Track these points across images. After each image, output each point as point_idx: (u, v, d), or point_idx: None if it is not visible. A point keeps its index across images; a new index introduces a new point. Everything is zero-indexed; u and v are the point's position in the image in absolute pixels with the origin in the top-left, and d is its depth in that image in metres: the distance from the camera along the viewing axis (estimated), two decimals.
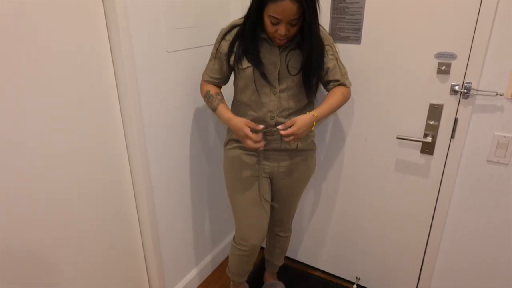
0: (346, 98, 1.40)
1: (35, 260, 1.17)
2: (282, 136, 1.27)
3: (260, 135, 1.33)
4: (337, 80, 1.37)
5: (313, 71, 1.32)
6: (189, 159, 1.70)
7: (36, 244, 1.17)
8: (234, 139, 1.48)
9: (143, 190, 1.47)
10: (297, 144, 1.44)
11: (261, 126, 1.32)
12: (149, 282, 1.69)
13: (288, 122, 1.27)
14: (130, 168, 1.45)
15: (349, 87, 1.41)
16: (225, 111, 1.38)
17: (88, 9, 1.16)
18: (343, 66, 1.40)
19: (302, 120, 1.26)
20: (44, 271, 1.21)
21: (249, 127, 1.31)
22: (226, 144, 1.52)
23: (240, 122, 1.32)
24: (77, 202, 1.27)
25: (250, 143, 1.31)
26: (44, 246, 1.19)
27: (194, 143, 1.71)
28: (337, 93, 1.36)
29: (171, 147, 1.58)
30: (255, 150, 1.40)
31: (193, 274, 1.91)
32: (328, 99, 1.35)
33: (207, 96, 1.44)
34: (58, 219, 1.21)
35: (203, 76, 1.47)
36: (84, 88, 1.21)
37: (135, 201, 1.51)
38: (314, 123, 1.30)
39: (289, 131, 1.25)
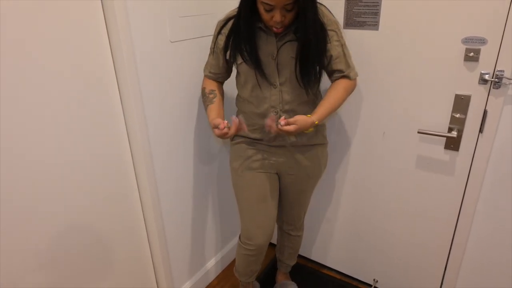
0: (349, 92, 1.31)
1: (47, 265, 1.14)
2: (278, 127, 1.16)
3: (225, 124, 1.20)
4: (341, 71, 1.27)
5: (310, 61, 1.21)
6: (196, 157, 1.63)
7: (46, 252, 1.14)
8: (239, 134, 1.41)
9: (148, 190, 1.41)
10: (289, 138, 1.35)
11: (233, 117, 1.23)
12: (156, 281, 1.64)
13: (291, 120, 1.16)
14: (134, 168, 1.40)
15: (354, 79, 1.31)
16: (210, 112, 1.32)
17: None
18: (349, 55, 1.29)
19: (302, 123, 1.17)
20: (56, 275, 1.18)
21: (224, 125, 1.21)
22: (232, 138, 1.45)
23: (211, 124, 1.25)
24: (82, 203, 1.22)
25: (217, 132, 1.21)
26: (54, 252, 1.16)
27: (201, 139, 1.63)
28: (338, 89, 1.27)
29: (177, 143, 1.51)
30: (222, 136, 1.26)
31: (203, 273, 1.86)
32: (328, 97, 1.26)
33: (202, 94, 1.40)
34: (64, 223, 1.18)
35: (204, 70, 1.42)
36: (80, 85, 1.14)
37: (141, 202, 1.46)
38: (311, 129, 1.23)
39: (288, 128, 1.15)
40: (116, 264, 1.43)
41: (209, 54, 1.38)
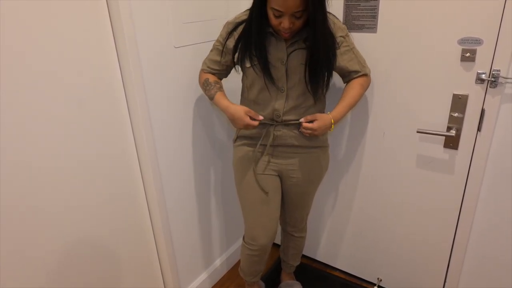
0: (365, 88, 1.38)
1: (54, 264, 1.18)
2: (301, 127, 1.28)
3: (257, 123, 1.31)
4: (357, 71, 1.33)
5: (319, 67, 1.24)
6: (201, 158, 1.67)
7: (53, 252, 1.17)
8: (242, 135, 1.44)
9: (153, 191, 1.45)
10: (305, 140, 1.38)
11: (261, 117, 1.31)
12: (163, 281, 1.67)
13: (309, 117, 1.28)
14: (140, 169, 1.43)
15: (369, 74, 1.38)
16: (222, 99, 1.35)
17: (91, 4, 1.14)
18: (360, 54, 1.35)
19: (323, 119, 1.27)
20: (64, 274, 1.22)
21: (249, 116, 1.29)
22: (235, 140, 1.48)
23: (240, 111, 1.28)
24: (89, 203, 1.26)
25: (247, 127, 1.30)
26: (60, 252, 1.20)
27: (205, 141, 1.67)
28: (354, 86, 1.33)
29: (181, 146, 1.55)
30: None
31: (209, 272, 1.88)
32: (345, 95, 1.32)
33: (205, 84, 1.40)
34: (72, 225, 1.22)
35: (202, 65, 1.43)
36: (88, 89, 1.19)
37: (147, 202, 1.50)
38: (333, 126, 1.30)
39: (310, 125, 1.27)
40: (123, 265, 1.46)
41: (211, 50, 1.39)
